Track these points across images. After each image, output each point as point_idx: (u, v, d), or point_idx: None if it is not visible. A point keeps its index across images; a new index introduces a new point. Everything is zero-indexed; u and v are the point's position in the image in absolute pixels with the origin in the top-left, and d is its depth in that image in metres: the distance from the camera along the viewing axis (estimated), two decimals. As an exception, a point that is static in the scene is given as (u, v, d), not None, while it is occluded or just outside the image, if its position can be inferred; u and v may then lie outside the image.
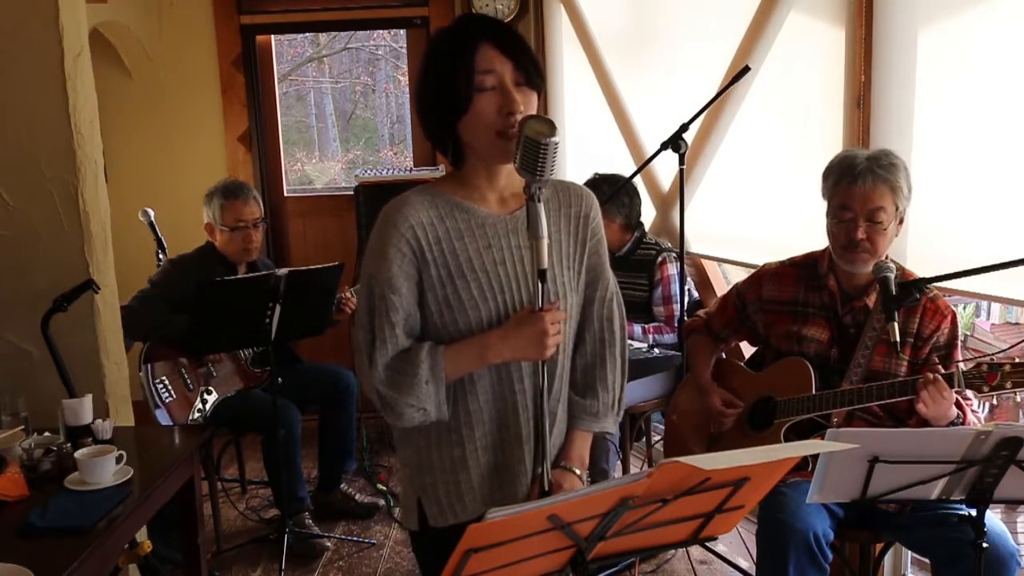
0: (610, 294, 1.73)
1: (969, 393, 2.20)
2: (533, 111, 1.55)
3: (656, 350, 3.15)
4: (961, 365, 2.11)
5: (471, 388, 1.60)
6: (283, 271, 3.12)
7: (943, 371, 2.13)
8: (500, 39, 1.53)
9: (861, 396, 2.21)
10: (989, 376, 2.04)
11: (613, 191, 3.41)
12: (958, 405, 2.15)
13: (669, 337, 3.46)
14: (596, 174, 3.65)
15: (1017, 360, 2.04)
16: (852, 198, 2.24)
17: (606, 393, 1.73)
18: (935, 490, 1.81)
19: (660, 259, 3.51)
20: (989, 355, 2.13)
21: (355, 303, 3.52)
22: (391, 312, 1.56)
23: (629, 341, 3.26)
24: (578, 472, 1.70)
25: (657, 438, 3.84)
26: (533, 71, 1.55)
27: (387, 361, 1.56)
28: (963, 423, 2.16)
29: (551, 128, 1.43)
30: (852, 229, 2.24)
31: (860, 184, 2.22)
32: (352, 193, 4.58)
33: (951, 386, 2.08)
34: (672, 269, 3.48)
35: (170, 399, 3.34)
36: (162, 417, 3.30)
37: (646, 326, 3.49)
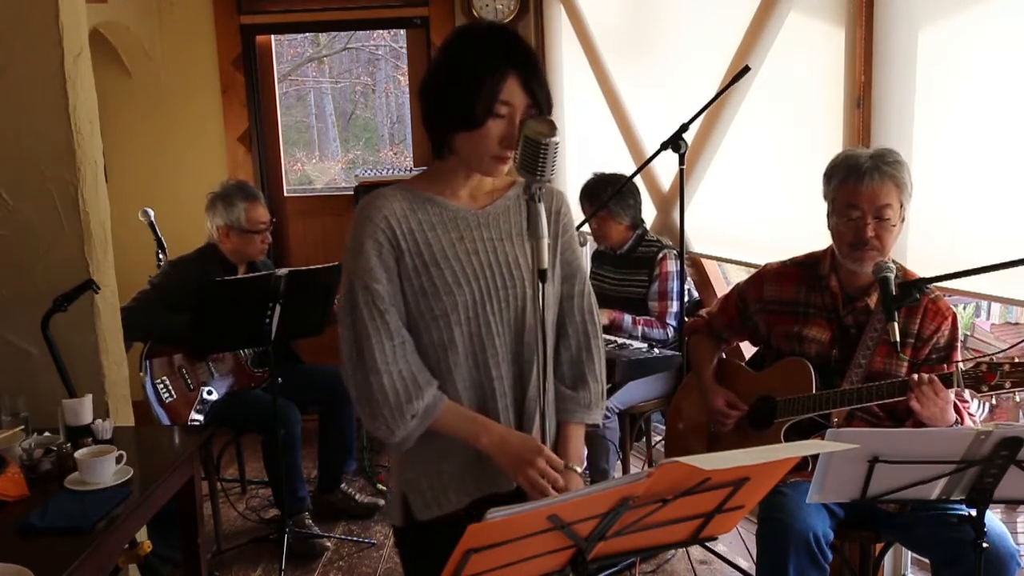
0: (588, 288, 1.78)
1: (967, 396, 2.20)
2: None
3: (656, 350, 3.15)
4: (960, 365, 2.11)
5: (448, 376, 1.63)
6: (283, 271, 3.12)
7: (943, 371, 2.13)
8: (527, 72, 1.55)
9: (860, 396, 2.21)
10: (988, 376, 2.04)
11: (613, 192, 3.42)
12: (956, 410, 2.14)
13: (658, 332, 3.46)
14: (595, 174, 3.66)
15: (1016, 360, 2.04)
16: (860, 196, 2.23)
17: (596, 384, 1.77)
18: (935, 490, 1.81)
19: (661, 255, 3.52)
20: (989, 355, 2.13)
21: None
22: (377, 301, 1.58)
23: (624, 341, 3.30)
24: (579, 470, 1.72)
25: (657, 438, 3.84)
26: (545, 108, 1.59)
27: (386, 355, 1.57)
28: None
29: (551, 128, 1.45)
30: (861, 227, 2.23)
31: (868, 182, 2.21)
32: (352, 193, 4.57)
33: (949, 386, 2.08)
34: (672, 266, 3.49)
35: (170, 399, 3.34)
36: (162, 417, 3.30)
37: (636, 317, 3.49)
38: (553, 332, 1.73)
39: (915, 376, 2.10)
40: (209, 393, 3.45)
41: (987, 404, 2.32)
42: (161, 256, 3.87)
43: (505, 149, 1.56)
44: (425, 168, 1.75)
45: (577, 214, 3.70)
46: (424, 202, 1.63)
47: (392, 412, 1.57)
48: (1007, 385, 2.02)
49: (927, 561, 2.52)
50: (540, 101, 1.57)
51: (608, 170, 3.68)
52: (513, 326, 1.65)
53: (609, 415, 3.36)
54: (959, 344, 2.32)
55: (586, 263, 4.10)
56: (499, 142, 1.56)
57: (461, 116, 1.55)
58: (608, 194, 3.45)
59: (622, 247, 3.62)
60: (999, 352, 2.14)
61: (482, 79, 1.53)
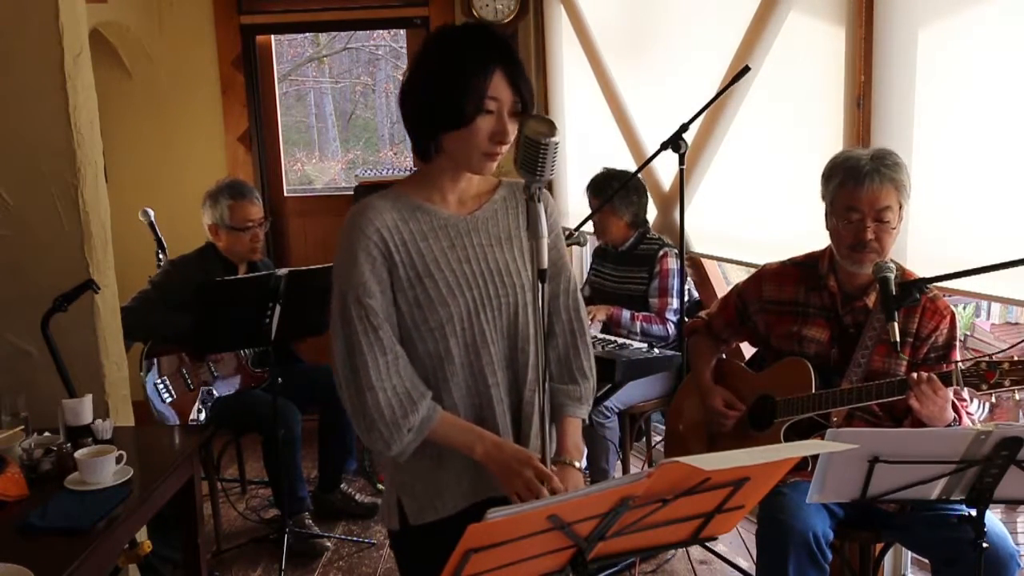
0: (573, 286, 1.78)
1: (966, 395, 2.20)
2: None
3: (656, 350, 3.15)
4: (959, 363, 2.11)
5: (445, 386, 1.63)
6: (283, 271, 3.12)
7: (942, 370, 2.13)
8: (511, 67, 1.56)
9: (859, 395, 2.21)
10: (988, 374, 2.04)
11: (619, 187, 3.43)
12: (955, 409, 2.14)
13: (658, 329, 3.46)
14: (606, 168, 3.67)
15: (1016, 358, 2.04)
16: (860, 199, 2.22)
17: (586, 380, 1.78)
18: (935, 490, 1.81)
19: (662, 252, 3.53)
20: (988, 355, 2.13)
21: None
22: (371, 316, 1.58)
23: (624, 340, 3.30)
24: (578, 465, 1.72)
25: (657, 438, 3.84)
26: (529, 101, 1.59)
27: (379, 371, 1.58)
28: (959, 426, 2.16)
29: (551, 128, 1.45)
30: (861, 230, 2.23)
31: (868, 184, 2.21)
32: (352, 193, 4.57)
33: (949, 384, 2.08)
34: (672, 263, 3.49)
35: (170, 399, 3.34)
36: (163, 417, 3.30)
37: (635, 313, 3.50)
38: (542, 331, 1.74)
39: (914, 375, 2.10)
40: (209, 393, 3.45)
41: (987, 404, 2.32)
42: (161, 256, 3.87)
43: (495, 145, 1.56)
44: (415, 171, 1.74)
45: (582, 207, 3.70)
46: (414, 210, 1.63)
47: (388, 427, 1.58)
48: (1007, 383, 2.02)
49: (927, 561, 2.52)
50: (524, 96, 1.57)
51: (612, 168, 3.69)
52: (507, 333, 1.65)
53: (609, 415, 3.36)
54: (957, 343, 2.32)
55: (587, 261, 4.11)
56: (489, 138, 1.56)
57: (450, 115, 1.55)
58: (613, 188, 3.46)
59: (623, 244, 3.63)
60: (999, 352, 2.14)
61: (470, 76, 1.53)
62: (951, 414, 2.12)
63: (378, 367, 1.58)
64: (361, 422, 1.60)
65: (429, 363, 1.63)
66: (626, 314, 3.49)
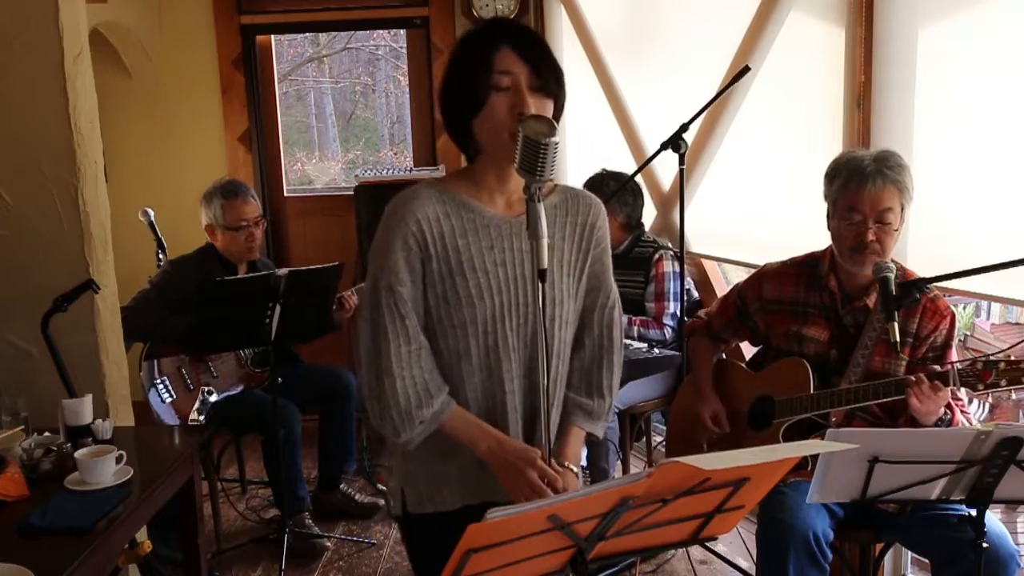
0: (612, 302, 1.76)
1: (961, 393, 2.20)
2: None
3: (656, 350, 3.15)
4: (956, 363, 2.12)
5: (460, 384, 1.63)
6: (283, 271, 3.12)
7: (938, 370, 2.13)
8: (522, 43, 1.56)
9: (857, 395, 2.21)
10: (984, 373, 2.04)
11: (617, 187, 3.43)
12: (947, 405, 2.15)
13: (655, 333, 3.46)
14: (603, 170, 3.66)
15: (1012, 357, 2.04)
16: (862, 200, 2.22)
17: (602, 399, 1.76)
18: (935, 490, 1.81)
19: (657, 256, 3.52)
20: (986, 355, 2.13)
21: (355, 301, 3.53)
22: (399, 304, 1.58)
23: (624, 341, 3.30)
24: (575, 470, 1.72)
25: (657, 438, 3.84)
26: (550, 78, 1.58)
27: (401, 358, 1.58)
28: (951, 421, 2.16)
29: (550, 128, 1.44)
30: (862, 231, 2.23)
31: (870, 186, 2.21)
32: (352, 193, 4.58)
33: (946, 384, 2.08)
34: (668, 266, 3.49)
35: (170, 399, 3.34)
36: (163, 417, 3.30)
37: (633, 317, 3.50)
38: (569, 344, 1.73)
39: (911, 377, 2.10)
40: (209, 393, 3.45)
41: (987, 404, 2.32)
42: (161, 256, 3.87)
43: (516, 121, 1.53)
44: (444, 168, 1.74)
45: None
46: (459, 207, 1.62)
47: (401, 415, 1.58)
48: (1003, 383, 2.02)
49: (927, 561, 2.52)
50: (542, 70, 1.56)
51: (609, 169, 3.69)
52: (530, 342, 1.64)
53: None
54: (955, 343, 2.32)
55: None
56: (508, 113, 1.54)
57: (467, 99, 1.56)
58: (611, 189, 3.46)
59: (618, 247, 3.62)
60: (998, 352, 2.14)
61: (476, 55, 1.55)
62: (942, 409, 2.13)
63: (400, 354, 1.58)
64: (375, 405, 1.60)
65: (448, 358, 1.63)
66: (624, 319, 3.49)
